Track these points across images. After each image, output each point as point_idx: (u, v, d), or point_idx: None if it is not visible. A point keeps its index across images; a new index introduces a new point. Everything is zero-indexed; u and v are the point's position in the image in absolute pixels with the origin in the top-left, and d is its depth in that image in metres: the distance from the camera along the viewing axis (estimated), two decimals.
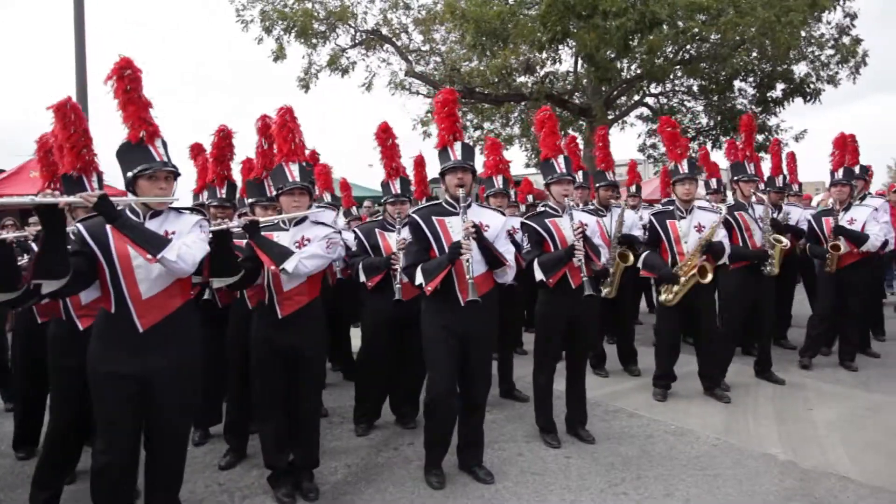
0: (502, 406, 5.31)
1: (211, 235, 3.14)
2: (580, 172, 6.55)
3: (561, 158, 4.45)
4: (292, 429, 3.74)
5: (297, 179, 3.75)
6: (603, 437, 4.53)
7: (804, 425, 4.74)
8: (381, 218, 5.11)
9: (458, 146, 3.90)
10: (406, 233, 4.54)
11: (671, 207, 5.44)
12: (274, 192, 3.86)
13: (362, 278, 4.64)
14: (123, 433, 2.92)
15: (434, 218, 3.87)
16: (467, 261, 3.59)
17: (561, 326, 4.42)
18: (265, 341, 3.65)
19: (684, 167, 5.35)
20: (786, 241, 5.71)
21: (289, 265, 3.46)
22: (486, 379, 3.98)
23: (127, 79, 2.99)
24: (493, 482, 3.82)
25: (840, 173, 6.22)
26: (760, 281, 5.60)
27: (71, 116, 3.34)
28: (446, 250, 3.74)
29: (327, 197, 6.39)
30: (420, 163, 5.54)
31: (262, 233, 3.60)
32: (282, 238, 3.66)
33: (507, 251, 3.89)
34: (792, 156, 8.03)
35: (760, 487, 3.73)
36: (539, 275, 4.28)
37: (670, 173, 5.51)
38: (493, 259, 3.79)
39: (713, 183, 7.62)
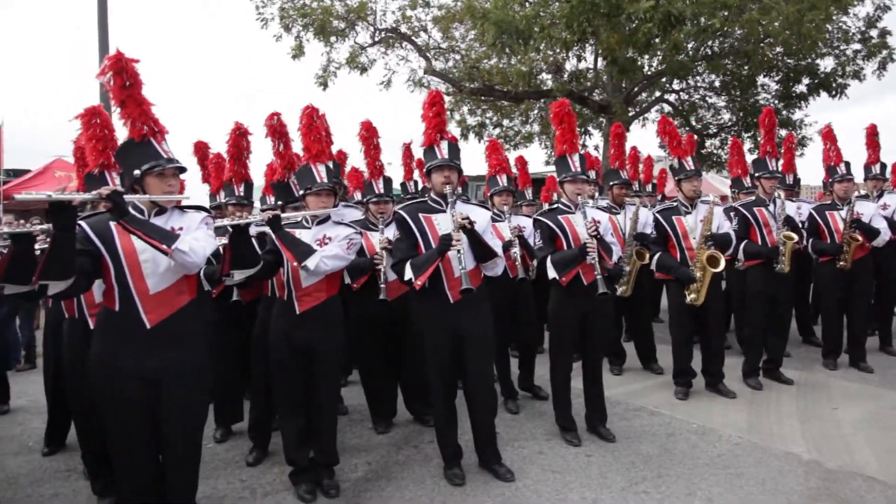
0: (522, 404, 5.30)
1: (230, 230, 3.16)
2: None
3: (576, 156, 4.45)
4: (311, 425, 3.76)
5: (325, 180, 3.79)
6: (624, 436, 4.50)
7: (828, 424, 4.67)
8: (363, 218, 5.14)
9: (444, 144, 3.91)
10: (389, 232, 4.58)
11: (675, 204, 5.42)
12: (300, 192, 3.89)
13: (347, 280, 4.58)
14: (139, 439, 2.88)
15: (421, 215, 3.89)
16: (458, 252, 3.59)
17: (574, 324, 4.41)
18: (283, 337, 3.68)
19: (689, 164, 5.31)
20: (797, 237, 5.64)
21: (311, 263, 3.49)
22: (485, 381, 3.92)
23: (124, 74, 2.93)
24: (514, 480, 3.82)
25: (843, 168, 6.16)
26: (777, 277, 5.54)
27: (95, 118, 3.40)
28: (433, 247, 3.75)
29: (358, 195, 6.44)
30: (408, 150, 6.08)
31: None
32: (303, 236, 3.70)
33: (495, 244, 3.89)
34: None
35: (784, 487, 3.68)
36: (552, 273, 4.28)
37: (673, 171, 5.47)
38: (482, 251, 3.79)
39: (747, 181, 7.48)
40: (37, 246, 2.83)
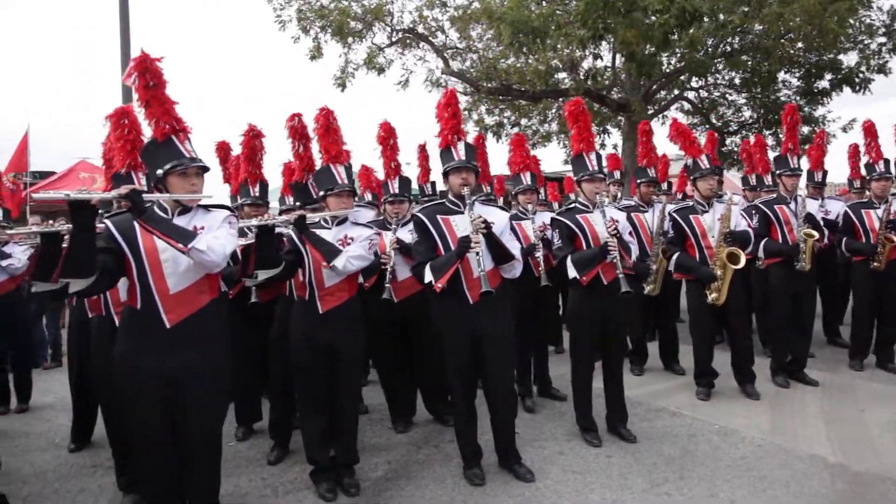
0: (542, 404, 5.28)
1: (247, 231, 3.18)
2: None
3: (593, 155, 4.43)
4: (332, 425, 3.78)
5: (345, 181, 3.82)
6: (645, 437, 4.47)
7: (855, 426, 4.60)
8: (381, 218, 5.16)
9: (461, 146, 3.91)
10: (400, 233, 4.62)
11: (691, 203, 5.37)
12: (321, 193, 3.91)
13: (360, 279, 4.63)
14: (159, 437, 2.90)
15: (439, 217, 3.89)
16: (477, 254, 3.58)
17: (595, 324, 4.38)
18: (305, 337, 3.70)
19: (704, 162, 5.27)
20: (817, 235, 5.57)
21: (339, 262, 3.52)
22: (504, 381, 3.89)
23: (148, 74, 2.96)
24: (534, 480, 3.81)
25: (881, 165, 6.05)
26: (799, 275, 5.48)
27: (124, 119, 3.45)
28: (452, 249, 3.75)
29: (368, 196, 6.49)
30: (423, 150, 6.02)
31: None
32: (325, 236, 3.71)
33: (513, 246, 3.88)
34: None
35: (809, 490, 3.63)
36: (572, 272, 4.26)
37: (688, 170, 5.42)
38: (500, 254, 3.77)
39: (768, 179, 7.39)
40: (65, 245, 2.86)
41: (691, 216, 5.24)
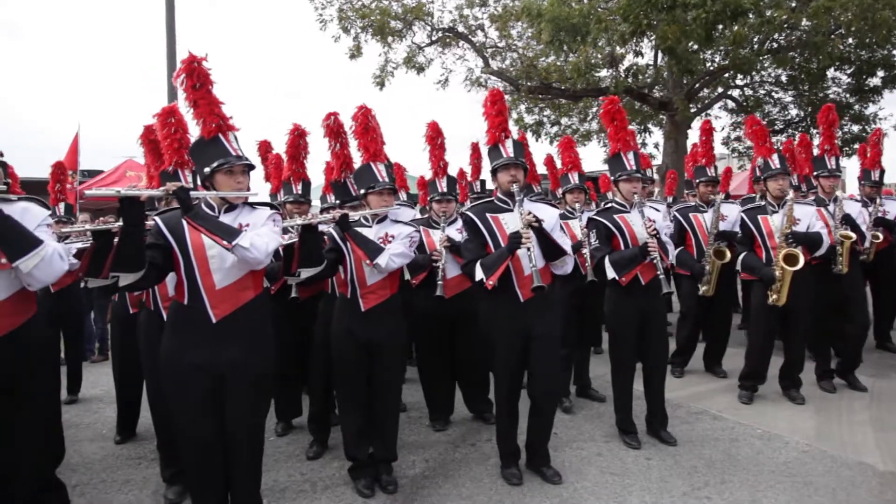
0: (581, 405, 5.24)
1: (291, 230, 3.23)
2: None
3: (630, 154, 4.38)
4: (372, 422, 3.82)
5: (387, 179, 3.86)
6: (685, 440, 4.40)
7: None
8: (427, 216, 5.18)
9: (508, 143, 3.89)
10: (449, 231, 4.63)
11: (762, 203, 5.25)
12: (361, 191, 3.95)
13: (407, 276, 4.63)
14: (201, 432, 2.94)
15: (488, 215, 3.87)
16: (528, 249, 3.55)
17: (634, 324, 4.33)
18: (347, 334, 3.72)
19: (775, 162, 5.14)
20: (854, 237, 5.39)
21: (381, 260, 3.56)
22: (551, 381, 3.85)
23: (195, 75, 3.03)
24: (561, 482, 3.78)
25: None
26: (842, 279, 5.31)
27: (171, 118, 3.55)
28: (502, 246, 3.73)
29: (402, 195, 6.55)
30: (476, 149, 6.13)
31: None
32: (365, 234, 3.75)
33: (564, 242, 3.83)
34: None
35: (856, 498, 3.52)
36: (611, 273, 4.22)
37: (760, 169, 5.30)
38: (551, 249, 3.73)
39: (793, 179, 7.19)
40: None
41: (759, 216, 5.14)
